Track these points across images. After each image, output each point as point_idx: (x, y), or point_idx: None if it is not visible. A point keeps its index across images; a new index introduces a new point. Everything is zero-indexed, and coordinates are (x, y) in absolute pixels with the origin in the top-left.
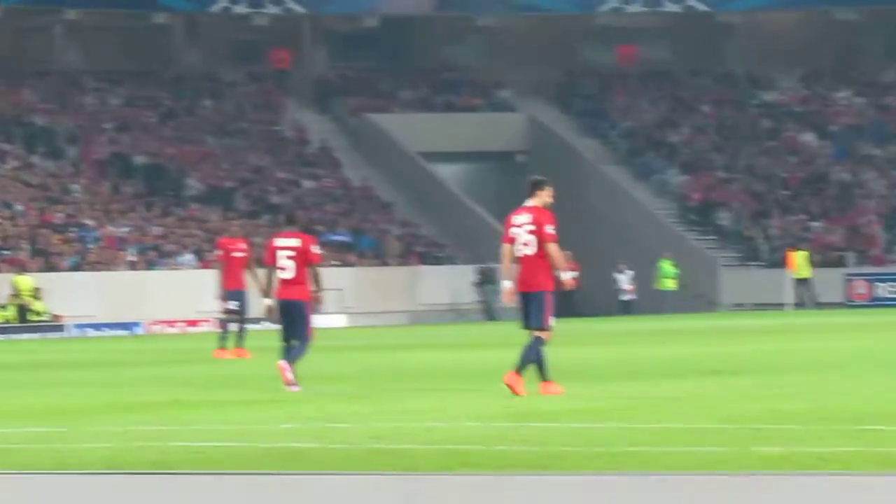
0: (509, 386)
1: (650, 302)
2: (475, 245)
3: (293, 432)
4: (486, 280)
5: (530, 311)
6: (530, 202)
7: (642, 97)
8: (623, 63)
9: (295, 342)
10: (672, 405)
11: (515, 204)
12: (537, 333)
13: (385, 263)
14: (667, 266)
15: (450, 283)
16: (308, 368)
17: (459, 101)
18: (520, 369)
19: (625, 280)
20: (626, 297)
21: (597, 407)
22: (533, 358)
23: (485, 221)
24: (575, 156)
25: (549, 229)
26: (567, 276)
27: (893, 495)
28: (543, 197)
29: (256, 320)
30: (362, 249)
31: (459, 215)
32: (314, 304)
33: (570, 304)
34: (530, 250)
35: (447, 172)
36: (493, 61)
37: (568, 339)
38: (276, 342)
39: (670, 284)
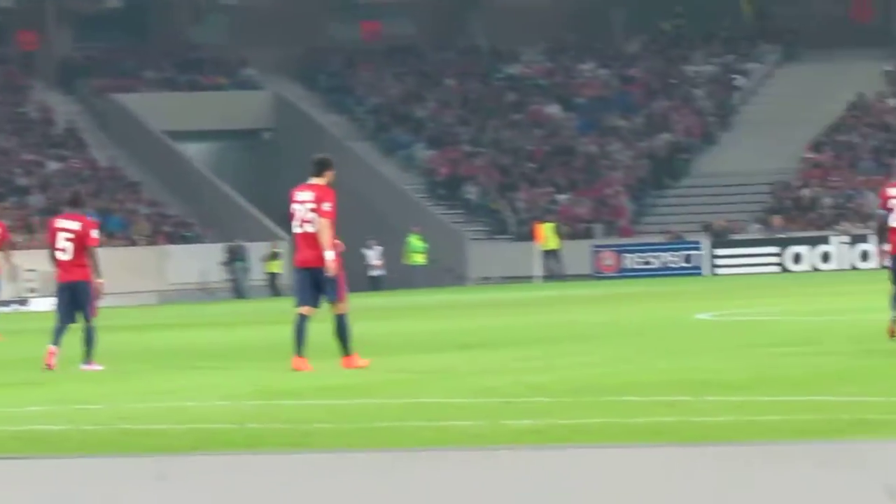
0: (298, 369)
1: (399, 277)
2: (223, 223)
3: (41, 415)
4: (235, 258)
5: (325, 287)
6: (314, 181)
7: (387, 72)
8: (367, 39)
9: (75, 323)
10: (424, 380)
11: (263, 181)
12: (337, 309)
13: (133, 243)
14: (415, 241)
15: (198, 262)
16: (62, 351)
17: (204, 79)
18: (345, 350)
19: (373, 256)
20: (374, 273)
21: (349, 383)
22: (345, 334)
23: (232, 200)
24: (321, 132)
25: (326, 206)
26: (330, 256)
27: (644, 465)
28: (329, 176)
29: (7, 303)
30: (110, 230)
31: (207, 194)
32: (94, 287)
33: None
34: (311, 227)
35: (194, 151)
36: (237, 39)
37: (316, 315)
38: (29, 325)
39: (419, 259)
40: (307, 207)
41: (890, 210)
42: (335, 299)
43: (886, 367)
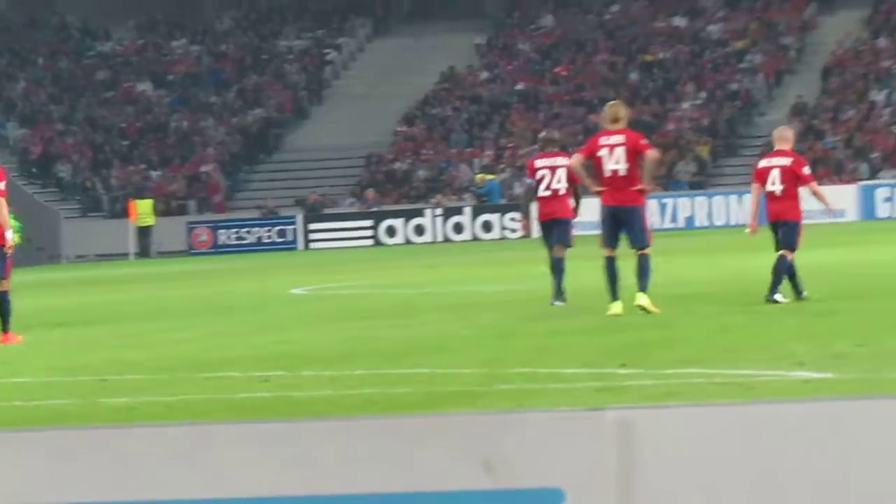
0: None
1: None
2: None
3: None
4: None
5: None
6: None
7: None
8: None
9: None
10: (18, 359)
11: None
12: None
13: None
14: (10, 220)
15: None
16: None
17: None
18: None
19: None
20: None
21: None
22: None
23: None
24: None
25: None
26: (9, 236)
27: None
28: None
29: None
30: None
31: None
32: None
33: None
34: None
35: None
36: None
37: None
38: None
39: (14, 238)
40: None
41: (539, 181)
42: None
43: (480, 336)
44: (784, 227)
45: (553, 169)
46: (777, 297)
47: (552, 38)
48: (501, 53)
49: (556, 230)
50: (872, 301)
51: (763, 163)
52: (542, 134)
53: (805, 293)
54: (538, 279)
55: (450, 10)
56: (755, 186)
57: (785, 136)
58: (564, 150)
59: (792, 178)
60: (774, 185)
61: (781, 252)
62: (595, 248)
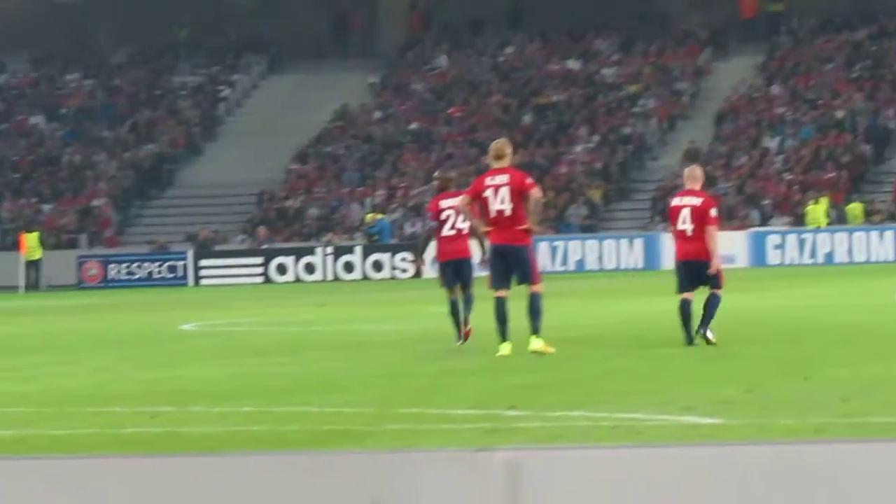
0: None
1: None
2: None
3: None
4: None
5: None
6: None
7: None
8: None
9: None
10: None
11: None
12: None
13: None
14: None
15: None
16: None
17: None
18: None
19: None
20: None
21: None
22: None
23: None
24: None
25: None
26: None
27: (130, 476)
28: None
29: None
30: None
31: None
32: None
33: None
34: None
35: None
36: None
37: None
38: None
39: None
40: None
41: (444, 221)
42: None
43: (370, 376)
44: (704, 266)
45: (457, 209)
46: (709, 334)
47: (446, 79)
48: (395, 93)
49: (459, 270)
50: (761, 347)
51: (674, 202)
52: (439, 174)
53: (696, 341)
54: (429, 319)
55: (344, 49)
56: (671, 228)
57: (695, 176)
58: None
59: (702, 218)
60: (685, 224)
61: (711, 291)
62: (484, 289)
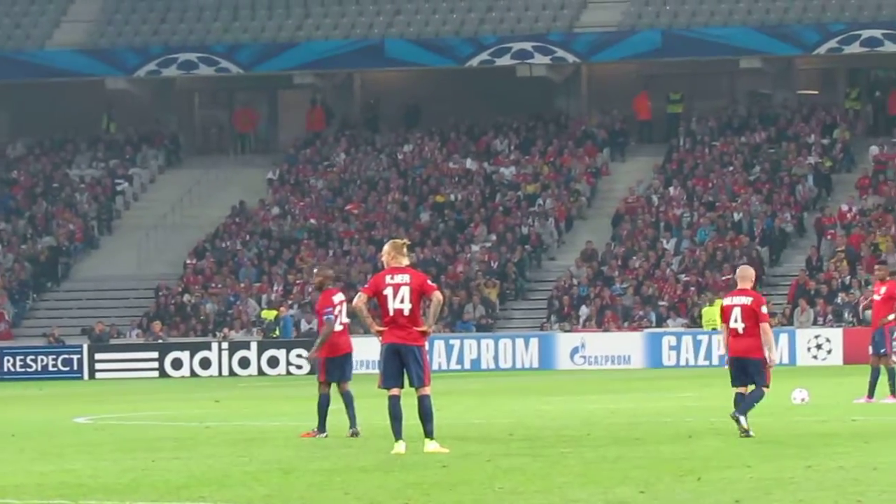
0: None
1: None
2: None
3: None
4: None
5: None
6: None
7: None
8: None
9: None
10: None
11: None
12: None
13: None
14: None
15: None
16: None
17: None
18: None
19: None
20: None
21: None
22: None
23: None
24: None
25: None
26: None
27: None
28: None
29: None
30: None
31: None
32: None
33: None
34: None
35: None
36: None
37: None
38: None
39: None
40: None
41: (337, 316)
42: None
43: (262, 471)
44: (752, 364)
45: (343, 304)
46: (742, 420)
47: (344, 176)
48: (293, 189)
49: (344, 365)
50: (655, 447)
51: (726, 301)
52: (319, 271)
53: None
54: (333, 414)
55: (243, 144)
56: (724, 326)
57: (746, 276)
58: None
59: (753, 317)
60: (737, 322)
61: (758, 386)
62: (375, 387)
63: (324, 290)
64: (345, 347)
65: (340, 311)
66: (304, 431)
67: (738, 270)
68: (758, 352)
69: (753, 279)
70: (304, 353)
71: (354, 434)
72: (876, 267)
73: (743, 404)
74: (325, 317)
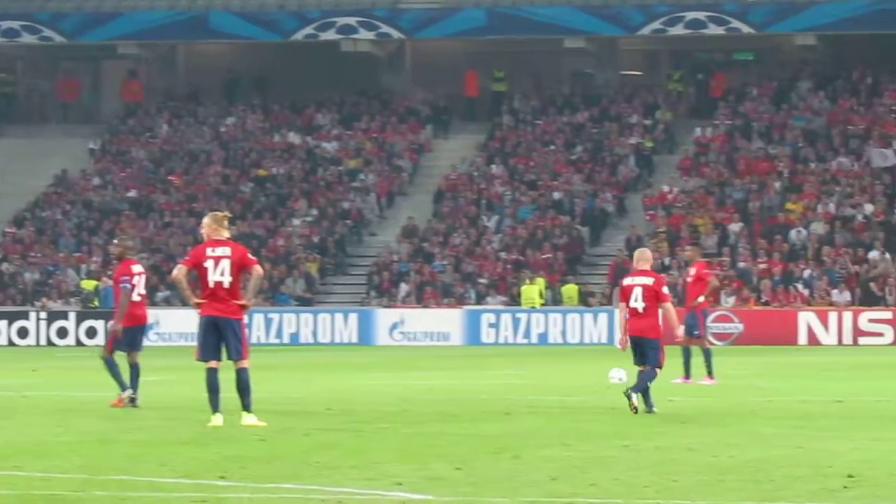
0: None
1: None
2: None
3: None
4: None
5: None
6: None
7: None
8: None
9: None
10: None
11: None
12: None
13: None
14: None
15: None
16: None
17: None
18: None
19: None
20: None
21: None
22: None
23: None
24: None
25: None
26: None
27: None
28: None
29: None
30: None
31: None
32: None
33: None
34: None
35: None
36: None
37: None
38: None
39: None
40: None
41: (135, 286)
42: None
43: (79, 442)
44: (646, 344)
45: (142, 275)
46: (633, 397)
47: (166, 147)
48: (115, 159)
49: (136, 336)
50: (472, 425)
51: (627, 281)
52: (119, 242)
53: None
54: (141, 387)
55: (65, 114)
56: (622, 305)
57: (646, 258)
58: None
59: (654, 297)
60: (637, 302)
61: (650, 366)
62: (192, 360)
63: (123, 259)
64: (140, 319)
65: (139, 282)
66: (112, 401)
67: (636, 253)
68: (654, 331)
69: (652, 261)
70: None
71: (132, 401)
72: (687, 248)
73: (637, 384)
74: (121, 285)
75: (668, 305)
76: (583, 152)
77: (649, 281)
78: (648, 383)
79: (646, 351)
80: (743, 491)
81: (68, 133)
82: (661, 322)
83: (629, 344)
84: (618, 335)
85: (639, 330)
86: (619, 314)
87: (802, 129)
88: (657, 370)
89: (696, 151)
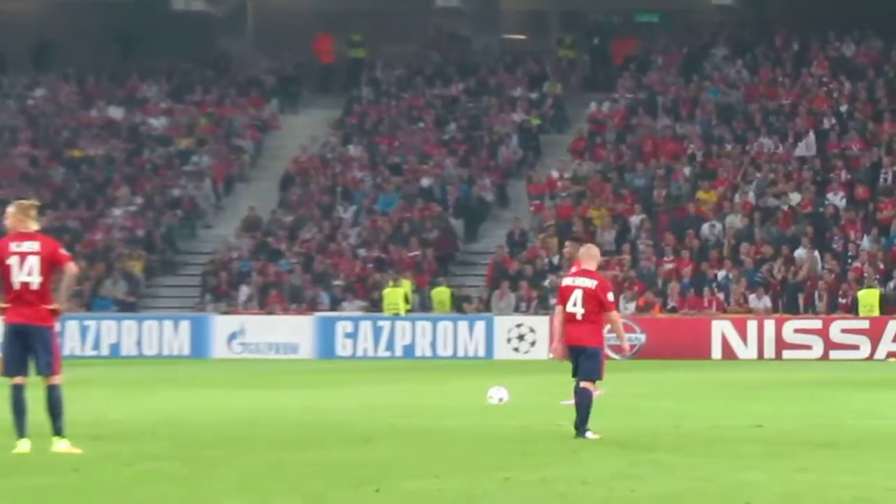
0: None
1: None
2: None
3: None
4: None
5: None
6: None
7: None
8: None
9: None
10: None
11: None
12: None
13: None
14: None
15: None
16: None
17: None
18: None
19: None
20: None
21: None
22: None
23: None
24: None
25: None
26: None
27: None
28: None
29: None
30: None
31: None
32: None
33: None
34: None
35: None
36: None
37: None
38: None
39: None
40: None
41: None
42: None
43: None
44: (583, 354)
45: None
46: (588, 434)
47: None
48: None
49: None
50: (326, 452)
51: (567, 281)
52: None
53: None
54: None
55: None
56: (559, 308)
57: (593, 255)
58: None
59: (595, 302)
60: (576, 306)
61: (582, 385)
62: None
63: None
64: None
65: None
66: None
67: (582, 248)
68: (593, 339)
69: (599, 259)
70: None
71: None
72: (567, 244)
73: (578, 417)
74: None
75: (614, 315)
76: (457, 131)
77: (591, 284)
78: (589, 409)
79: (581, 361)
80: None
81: None
82: (604, 329)
83: (567, 353)
84: (553, 342)
85: (576, 338)
86: (555, 318)
87: (717, 104)
88: (591, 387)
89: (591, 130)
